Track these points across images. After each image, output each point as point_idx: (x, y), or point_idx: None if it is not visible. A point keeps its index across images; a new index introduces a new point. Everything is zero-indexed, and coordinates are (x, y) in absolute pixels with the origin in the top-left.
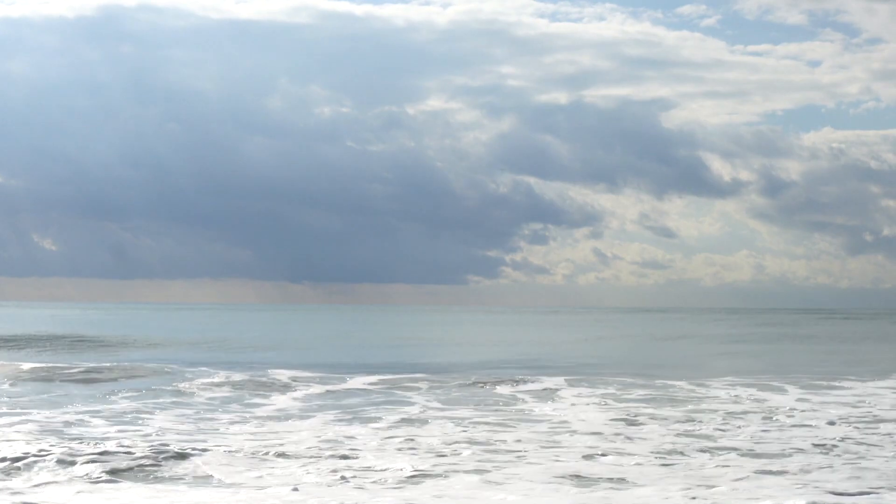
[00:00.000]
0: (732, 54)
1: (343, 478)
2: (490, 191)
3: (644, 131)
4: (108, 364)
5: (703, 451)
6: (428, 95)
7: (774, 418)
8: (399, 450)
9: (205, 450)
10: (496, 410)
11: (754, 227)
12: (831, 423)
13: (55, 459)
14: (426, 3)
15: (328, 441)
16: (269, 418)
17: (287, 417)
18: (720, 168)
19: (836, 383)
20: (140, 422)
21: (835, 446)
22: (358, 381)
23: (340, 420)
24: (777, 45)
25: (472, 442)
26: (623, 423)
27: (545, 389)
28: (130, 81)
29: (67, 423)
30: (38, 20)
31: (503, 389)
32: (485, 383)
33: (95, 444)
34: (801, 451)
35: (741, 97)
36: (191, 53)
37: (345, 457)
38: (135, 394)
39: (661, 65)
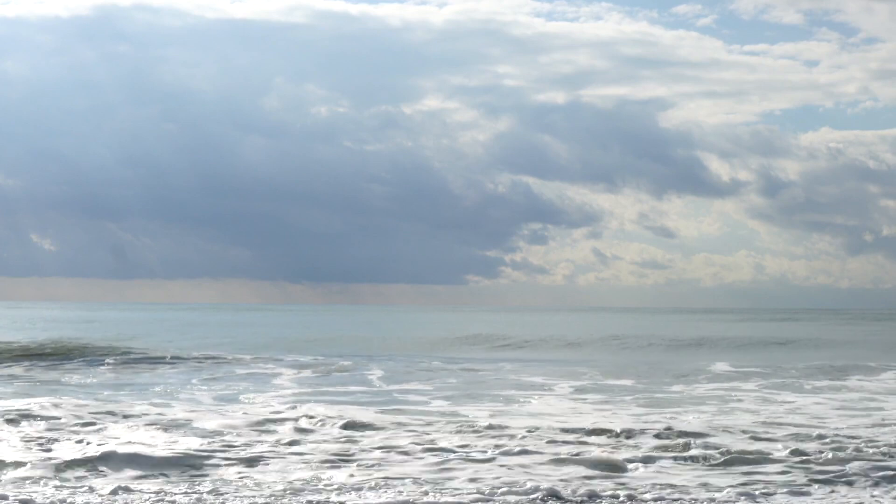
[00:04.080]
0: (730, 54)
1: None
2: (488, 191)
3: (642, 131)
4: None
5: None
6: (424, 95)
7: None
8: None
9: None
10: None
11: (753, 227)
12: None
13: None
14: (422, 3)
15: None
16: None
17: None
18: (718, 168)
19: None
20: None
21: None
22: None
23: None
24: (773, 44)
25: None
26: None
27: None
28: (127, 81)
29: None
30: (33, 20)
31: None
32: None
33: None
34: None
35: (739, 97)
36: (187, 53)
37: None
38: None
39: (658, 64)
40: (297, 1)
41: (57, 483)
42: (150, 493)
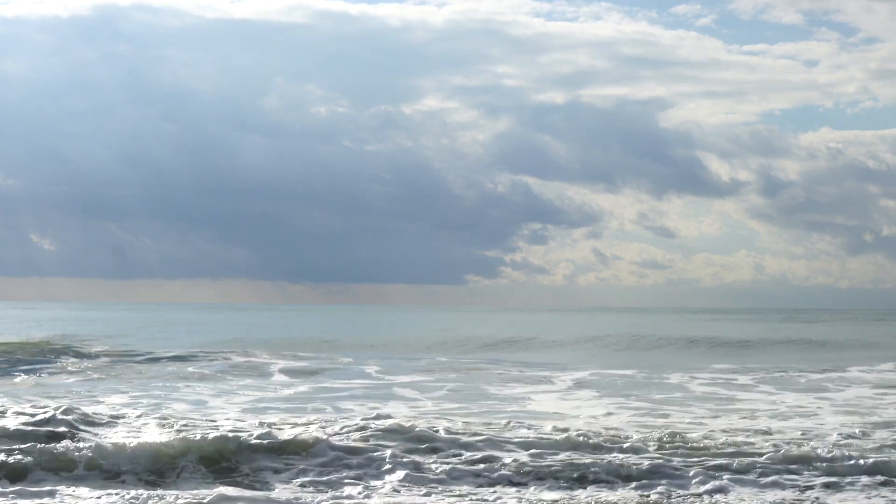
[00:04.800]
0: (729, 54)
1: None
2: (488, 191)
3: (642, 131)
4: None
5: None
6: (424, 95)
7: None
8: None
9: None
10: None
11: (753, 227)
12: None
13: None
14: (421, 3)
15: None
16: None
17: None
18: (718, 168)
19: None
20: None
21: None
22: None
23: None
24: (773, 44)
25: None
26: None
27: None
28: (126, 81)
29: None
30: (32, 20)
31: None
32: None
33: None
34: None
35: (738, 97)
36: (187, 53)
37: None
38: None
39: (657, 64)
40: (296, 1)
41: (52, 481)
42: (150, 492)
